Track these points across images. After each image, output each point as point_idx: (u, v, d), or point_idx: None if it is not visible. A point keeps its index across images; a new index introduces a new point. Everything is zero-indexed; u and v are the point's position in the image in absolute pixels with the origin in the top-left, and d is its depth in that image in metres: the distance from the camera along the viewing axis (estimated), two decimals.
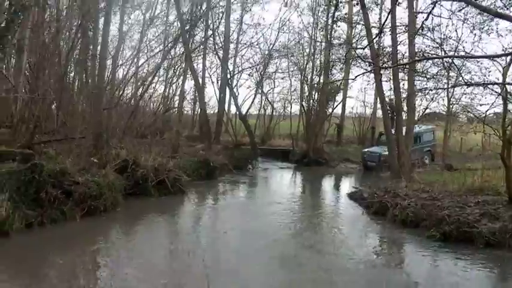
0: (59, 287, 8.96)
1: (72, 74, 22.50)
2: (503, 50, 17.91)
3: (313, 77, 35.41)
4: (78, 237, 12.19)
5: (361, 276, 10.43)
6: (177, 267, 10.70)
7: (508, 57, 14.76)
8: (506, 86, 15.44)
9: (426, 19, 15.60)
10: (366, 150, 31.66)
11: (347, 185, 24.29)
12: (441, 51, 23.93)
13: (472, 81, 22.29)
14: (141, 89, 25.87)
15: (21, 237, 11.31)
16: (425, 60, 24.18)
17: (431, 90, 25.92)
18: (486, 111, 18.98)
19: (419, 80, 26.55)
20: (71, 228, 12.59)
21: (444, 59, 23.35)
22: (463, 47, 22.62)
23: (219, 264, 10.78)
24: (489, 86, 17.10)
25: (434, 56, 20.26)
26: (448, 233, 13.15)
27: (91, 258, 10.74)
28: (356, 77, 29.37)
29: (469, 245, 12.42)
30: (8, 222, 11.12)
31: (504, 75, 15.73)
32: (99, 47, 19.99)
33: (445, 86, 27.08)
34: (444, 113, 32.25)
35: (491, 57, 11.36)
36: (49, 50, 18.68)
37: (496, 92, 16.51)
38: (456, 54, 22.14)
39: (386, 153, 26.75)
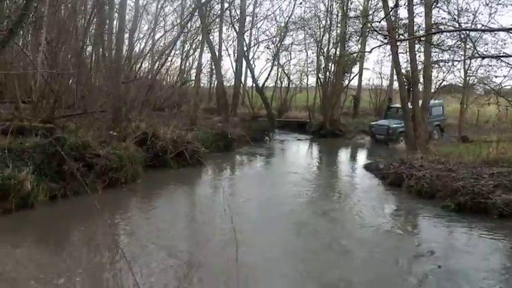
0: (79, 250, 9.40)
1: (89, 49, 22.68)
2: None
3: (330, 49, 35.35)
4: (96, 210, 12.57)
5: (377, 244, 10.70)
6: (195, 235, 11.09)
7: None
8: None
9: None
10: (373, 123, 31.44)
11: (363, 156, 24.54)
12: (457, 23, 23.83)
13: (488, 54, 22.21)
14: (158, 63, 26.05)
15: (46, 208, 11.74)
16: (441, 33, 24.00)
17: (447, 62, 25.81)
18: (500, 82, 19.05)
19: (435, 52, 26.36)
20: (92, 200, 12.96)
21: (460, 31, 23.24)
22: (479, 19, 22.52)
23: (237, 233, 11.06)
24: (504, 58, 17.11)
25: (450, 29, 20.20)
26: (463, 203, 13.36)
27: (113, 226, 11.10)
28: (372, 49, 29.04)
29: (483, 216, 12.63)
30: (32, 195, 11.49)
31: None
32: (115, 22, 20.25)
33: (461, 58, 26.71)
34: (461, 85, 31.96)
35: (507, 30, 11.33)
36: (66, 25, 18.90)
37: (510, 64, 16.52)
38: (472, 26, 22.02)
39: (395, 125, 28.34)
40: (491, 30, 16.26)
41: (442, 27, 23.00)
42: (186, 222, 12.38)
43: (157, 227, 10.97)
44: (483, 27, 15.02)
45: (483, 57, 22.49)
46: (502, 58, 16.00)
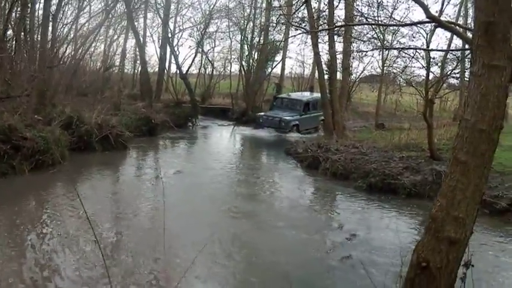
0: (4, 227, 9.99)
1: (9, 33, 22.54)
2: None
3: (253, 37, 36.28)
4: (27, 189, 13.08)
5: (291, 220, 11.84)
6: (121, 210, 11.86)
7: (432, 25, 16.16)
8: (430, 51, 17.00)
9: None
10: (262, 114, 30.59)
11: (283, 141, 25.43)
12: (377, 14, 25.25)
13: (400, 46, 23.71)
14: (82, 48, 26.23)
15: None
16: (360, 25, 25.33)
17: (361, 52, 27.16)
18: (410, 73, 20.62)
19: (356, 43, 27.68)
20: (20, 181, 13.46)
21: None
22: (397, 13, 24.06)
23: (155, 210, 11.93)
24: (417, 50, 18.61)
25: (364, 22, 21.46)
26: (374, 184, 14.85)
27: (38, 206, 11.81)
28: (287, 38, 30.81)
29: (392, 195, 14.14)
30: None
31: (428, 41, 17.32)
32: (37, 5, 20.35)
33: (376, 50, 28.17)
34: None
35: (415, 24, 12.62)
36: None
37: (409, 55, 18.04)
38: (392, 18, 23.45)
39: (288, 118, 28.39)
40: (398, 25, 17.76)
41: (361, 19, 24.35)
42: (110, 200, 13.11)
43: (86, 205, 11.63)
44: (391, 22, 16.48)
45: (388, 49, 24.06)
46: (404, 50, 17.51)
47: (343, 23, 23.17)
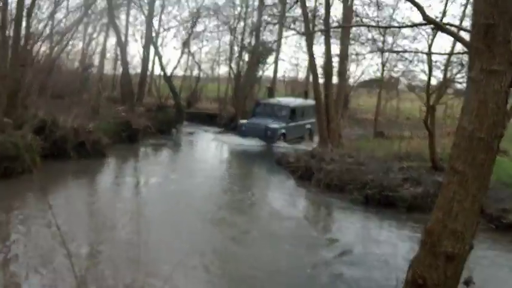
0: None
1: None
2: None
3: (244, 38, 36.39)
4: None
5: (278, 233, 11.95)
6: (93, 224, 11.91)
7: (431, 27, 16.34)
8: (431, 55, 17.16)
9: None
10: (244, 121, 29.31)
11: (274, 149, 25.45)
12: (377, 15, 25.48)
13: (401, 48, 23.93)
14: (58, 46, 26.24)
15: None
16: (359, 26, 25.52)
17: (358, 55, 27.28)
18: (410, 77, 20.80)
19: (354, 45, 27.83)
20: None
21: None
22: (398, 14, 24.29)
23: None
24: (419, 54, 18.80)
25: (360, 24, 21.65)
26: (371, 196, 14.91)
27: (5, 217, 11.79)
28: (280, 38, 30.69)
29: (391, 208, 14.21)
30: None
31: (430, 44, 17.47)
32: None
33: (378, 53, 28.30)
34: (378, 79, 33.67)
35: (412, 26, 12.74)
36: None
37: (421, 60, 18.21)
38: (392, 20, 23.69)
39: (275, 126, 27.33)
40: (398, 27, 17.91)
41: (358, 20, 24.56)
42: (86, 211, 13.18)
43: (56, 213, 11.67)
44: (395, 23, 16.67)
45: (385, 51, 24.27)
46: (402, 53, 17.71)
47: (339, 23, 23.34)
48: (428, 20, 6.20)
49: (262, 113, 29.38)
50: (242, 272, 9.44)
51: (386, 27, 24.43)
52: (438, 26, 6.57)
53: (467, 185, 5.30)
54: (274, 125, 27.53)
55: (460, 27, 6.85)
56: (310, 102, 30.70)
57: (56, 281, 8.29)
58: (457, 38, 6.07)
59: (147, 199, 13.65)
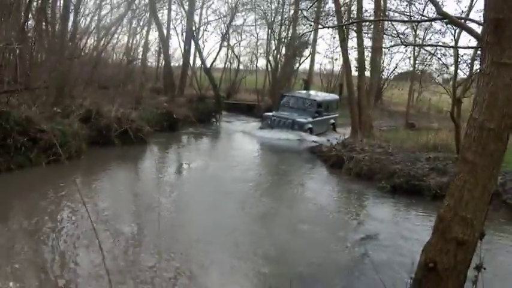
0: (18, 218, 10.46)
1: (29, 23, 22.92)
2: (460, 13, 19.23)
3: (281, 31, 36.41)
4: (42, 182, 13.52)
5: (308, 218, 12.07)
6: (133, 205, 12.20)
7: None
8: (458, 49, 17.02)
9: None
10: (270, 114, 28.14)
11: (309, 138, 25.50)
12: (409, 8, 25.17)
13: (433, 43, 23.67)
14: (104, 40, 26.60)
15: None
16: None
17: (388, 48, 27.01)
18: (438, 70, 20.60)
19: (388, 39, 27.57)
20: (37, 173, 13.86)
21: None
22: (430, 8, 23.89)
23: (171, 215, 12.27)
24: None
25: (380, 19, 21.35)
26: (398, 185, 14.91)
27: (52, 200, 12.05)
28: (313, 30, 30.39)
29: (417, 197, 14.19)
30: None
31: (456, 38, 17.32)
32: None
33: (409, 45, 27.96)
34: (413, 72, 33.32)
35: (428, 21, 12.72)
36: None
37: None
38: (423, 14, 23.39)
39: (302, 120, 26.17)
40: (426, 20, 17.70)
41: (390, 13, 24.34)
42: (127, 193, 13.53)
43: (100, 198, 11.99)
44: (422, 18, 16.47)
45: (408, 45, 23.98)
46: (424, 47, 17.57)
47: (371, 17, 23.19)
48: (442, 15, 6.20)
49: (288, 106, 28.36)
50: (278, 251, 9.67)
51: (404, 21, 24.06)
52: (452, 20, 6.57)
53: (477, 174, 5.32)
54: (301, 119, 26.54)
55: (473, 21, 6.78)
56: (334, 96, 31.81)
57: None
58: (470, 32, 6.04)
59: (187, 181, 13.93)
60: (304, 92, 32.95)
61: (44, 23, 20.73)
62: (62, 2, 21.38)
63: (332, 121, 29.47)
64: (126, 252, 9.11)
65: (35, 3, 21.21)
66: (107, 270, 5.17)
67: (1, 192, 12.16)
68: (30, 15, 20.78)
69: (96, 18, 26.86)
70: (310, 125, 26.45)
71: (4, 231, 9.47)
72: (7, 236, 9.20)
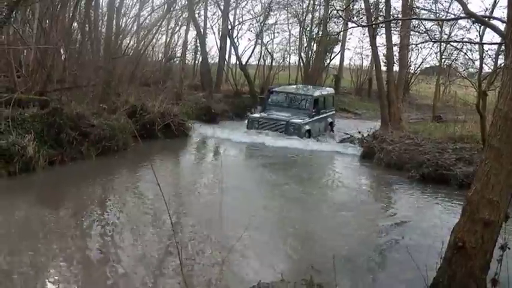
0: (73, 206, 11.05)
1: (75, 25, 23.44)
2: (484, 10, 19.27)
3: (312, 29, 36.56)
4: (93, 173, 14.07)
5: (342, 203, 12.42)
6: (179, 191, 12.69)
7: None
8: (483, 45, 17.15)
9: None
10: (257, 115, 23.26)
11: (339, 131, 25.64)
12: (435, 5, 25.28)
13: (456, 39, 23.74)
14: (144, 40, 27.08)
15: (45, 173, 13.13)
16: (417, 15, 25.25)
17: (415, 44, 26.98)
18: (465, 65, 20.65)
19: (414, 36, 27.56)
20: (88, 165, 14.41)
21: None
22: (456, 6, 23.99)
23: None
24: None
25: (405, 17, 21.43)
26: (427, 174, 15.12)
27: (104, 188, 12.80)
28: (345, 30, 30.45)
29: (444, 185, 14.42)
30: (34, 160, 12.81)
31: (481, 34, 17.46)
32: None
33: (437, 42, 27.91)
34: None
35: (454, 19, 12.88)
36: (56, 2, 19.87)
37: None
38: (449, 11, 23.52)
39: (298, 120, 21.54)
40: (452, 19, 17.86)
41: (417, 10, 24.43)
42: (174, 180, 14.09)
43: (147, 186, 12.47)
44: (446, 17, 16.70)
45: (435, 42, 24.06)
46: (450, 43, 17.69)
47: (399, 15, 23.26)
48: (468, 14, 6.43)
49: (278, 105, 23.52)
50: (313, 235, 10.10)
51: (431, 20, 24.11)
52: (477, 18, 6.79)
53: (502, 160, 5.59)
54: (297, 119, 21.67)
55: (498, 19, 6.95)
56: (330, 90, 27.38)
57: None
58: (495, 29, 6.26)
59: (227, 170, 14.33)
60: (295, 86, 29.05)
61: (87, 25, 21.26)
62: (106, 3, 21.90)
63: (330, 120, 25.21)
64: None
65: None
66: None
67: (58, 182, 12.81)
68: (75, 18, 21.35)
69: (137, 19, 27.34)
70: (308, 127, 21.78)
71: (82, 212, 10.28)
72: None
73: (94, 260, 8.08)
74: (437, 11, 24.65)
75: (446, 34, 28.25)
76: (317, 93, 24.27)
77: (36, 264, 7.68)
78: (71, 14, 20.84)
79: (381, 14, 23.82)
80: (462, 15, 6.60)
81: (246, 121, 23.03)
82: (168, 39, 34.18)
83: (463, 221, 5.98)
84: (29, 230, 9.10)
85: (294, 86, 28.31)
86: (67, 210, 10.69)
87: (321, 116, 23.56)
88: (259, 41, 37.94)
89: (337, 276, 5.87)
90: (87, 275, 7.61)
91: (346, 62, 44.54)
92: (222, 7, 33.68)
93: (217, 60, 36.24)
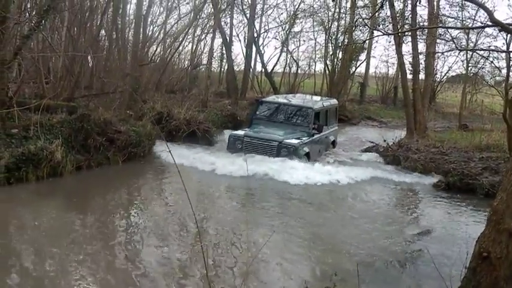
0: (100, 210, 11.25)
1: (102, 33, 23.69)
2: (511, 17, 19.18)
3: (338, 37, 36.51)
4: (120, 178, 14.38)
5: (365, 211, 12.42)
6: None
7: None
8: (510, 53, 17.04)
9: None
10: (239, 133, 17.95)
11: (365, 140, 25.44)
12: (461, 13, 25.10)
13: (483, 47, 23.56)
14: (171, 47, 27.32)
15: (73, 177, 13.34)
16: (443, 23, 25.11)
17: (441, 52, 26.78)
18: (492, 73, 20.49)
19: (441, 44, 27.40)
20: (114, 170, 14.62)
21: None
22: (482, 14, 23.77)
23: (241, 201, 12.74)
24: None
25: (431, 26, 21.31)
26: (452, 183, 15.06)
27: (130, 193, 13.09)
28: (370, 38, 30.21)
29: (470, 195, 14.33)
30: (61, 165, 13.03)
31: (508, 43, 17.35)
32: (128, 6, 21.47)
33: (463, 50, 27.76)
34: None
35: (480, 28, 12.79)
36: (85, 10, 20.19)
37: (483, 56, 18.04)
38: (475, 18, 23.34)
39: (292, 141, 16.75)
40: (477, 27, 17.71)
41: (443, 21, 24.30)
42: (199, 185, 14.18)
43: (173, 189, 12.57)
44: (471, 26, 16.56)
45: (461, 50, 23.91)
46: (476, 51, 17.59)
47: (425, 23, 23.16)
48: (494, 22, 6.38)
49: (268, 120, 18.65)
50: (335, 242, 10.09)
51: (457, 28, 24.03)
52: (503, 27, 6.72)
53: None
54: (292, 139, 16.96)
55: None
56: (332, 101, 22.72)
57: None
58: None
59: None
60: (291, 95, 24.19)
61: (114, 32, 21.52)
62: (134, 11, 22.11)
63: (332, 138, 20.95)
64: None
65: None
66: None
67: (85, 187, 13.07)
68: (102, 26, 21.65)
69: (163, 27, 27.59)
70: (307, 149, 17.17)
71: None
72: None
73: (120, 263, 8.20)
74: (464, 19, 24.43)
75: (472, 42, 28.09)
76: (318, 105, 19.44)
77: (64, 267, 7.82)
78: (98, 22, 21.24)
79: (407, 22, 23.70)
80: (488, 23, 6.50)
81: (227, 140, 18.19)
82: (194, 47, 34.39)
83: (488, 231, 5.92)
84: (56, 234, 9.25)
85: (290, 96, 23.34)
86: (94, 214, 10.81)
87: (323, 133, 18.99)
88: (285, 48, 38.07)
89: (361, 285, 5.85)
90: (114, 278, 7.71)
91: (371, 70, 44.44)
92: (248, 15, 33.78)
93: (242, 68, 36.37)
